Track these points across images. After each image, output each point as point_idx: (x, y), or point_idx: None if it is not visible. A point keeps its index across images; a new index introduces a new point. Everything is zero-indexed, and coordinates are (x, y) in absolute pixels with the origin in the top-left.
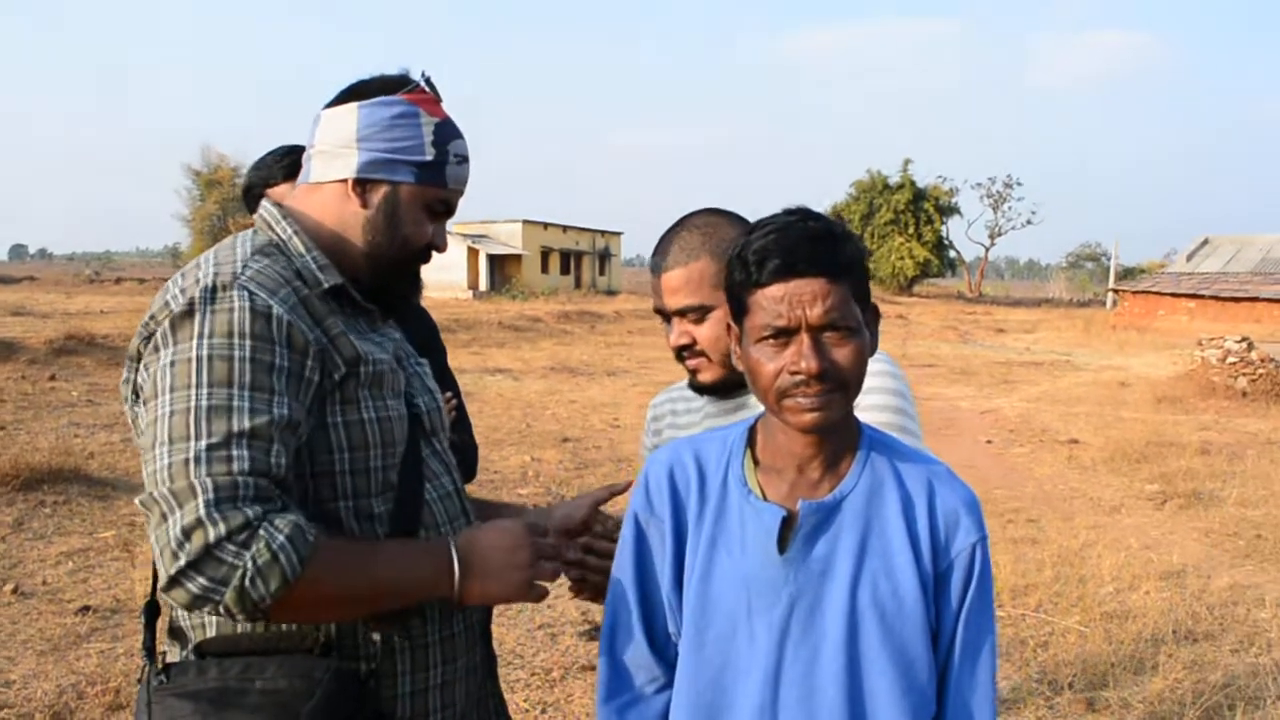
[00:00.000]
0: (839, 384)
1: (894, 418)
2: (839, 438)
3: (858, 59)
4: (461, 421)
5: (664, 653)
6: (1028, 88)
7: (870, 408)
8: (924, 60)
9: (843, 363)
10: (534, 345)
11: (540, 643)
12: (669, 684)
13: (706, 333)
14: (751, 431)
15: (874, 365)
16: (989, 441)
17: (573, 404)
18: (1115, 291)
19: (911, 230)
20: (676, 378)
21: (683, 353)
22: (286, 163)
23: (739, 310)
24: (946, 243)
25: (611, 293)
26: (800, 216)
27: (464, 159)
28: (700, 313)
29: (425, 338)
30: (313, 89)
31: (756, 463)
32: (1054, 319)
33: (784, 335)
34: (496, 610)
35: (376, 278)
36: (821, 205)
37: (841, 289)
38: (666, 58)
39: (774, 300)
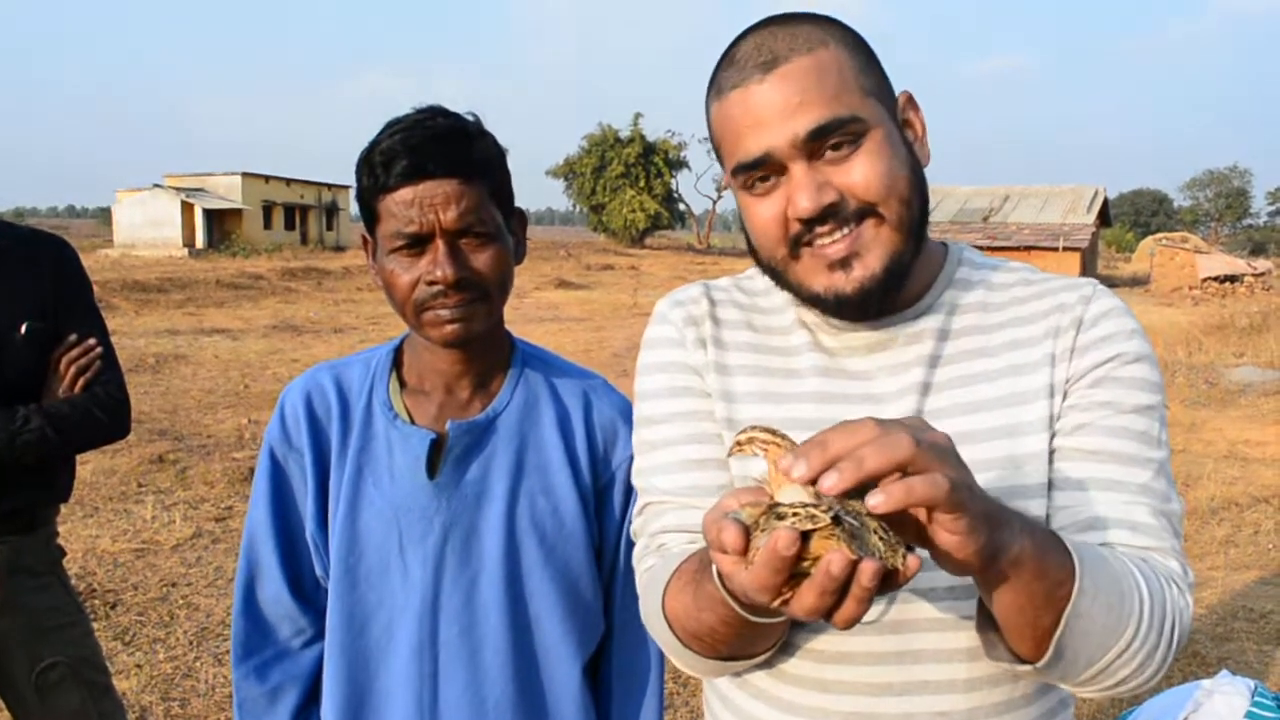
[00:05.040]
0: (480, 293)
1: (1147, 422)
2: (487, 352)
3: (588, 13)
4: (109, 370)
5: (313, 601)
6: None
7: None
8: (653, 16)
9: (483, 269)
10: (255, 304)
11: None
12: (319, 636)
13: (866, 172)
14: (397, 353)
15: (1128, 320)
16: None
17: (295, 363)
18: None
19: (642, 183)
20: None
21: (812, 227)
22: None
23: (370, 219)
24: (676, 195)
25: (340, 248)
26: (430, 114)
27: None
28: (849, 136)
29: (64, 273)
30: None
31: (403, 385)
32: None
33: (418, 243)
34: (206, 580)
35: None
36: (555, 159)
37: (476, 190)
38: (392, 8)
39: (404, 205)
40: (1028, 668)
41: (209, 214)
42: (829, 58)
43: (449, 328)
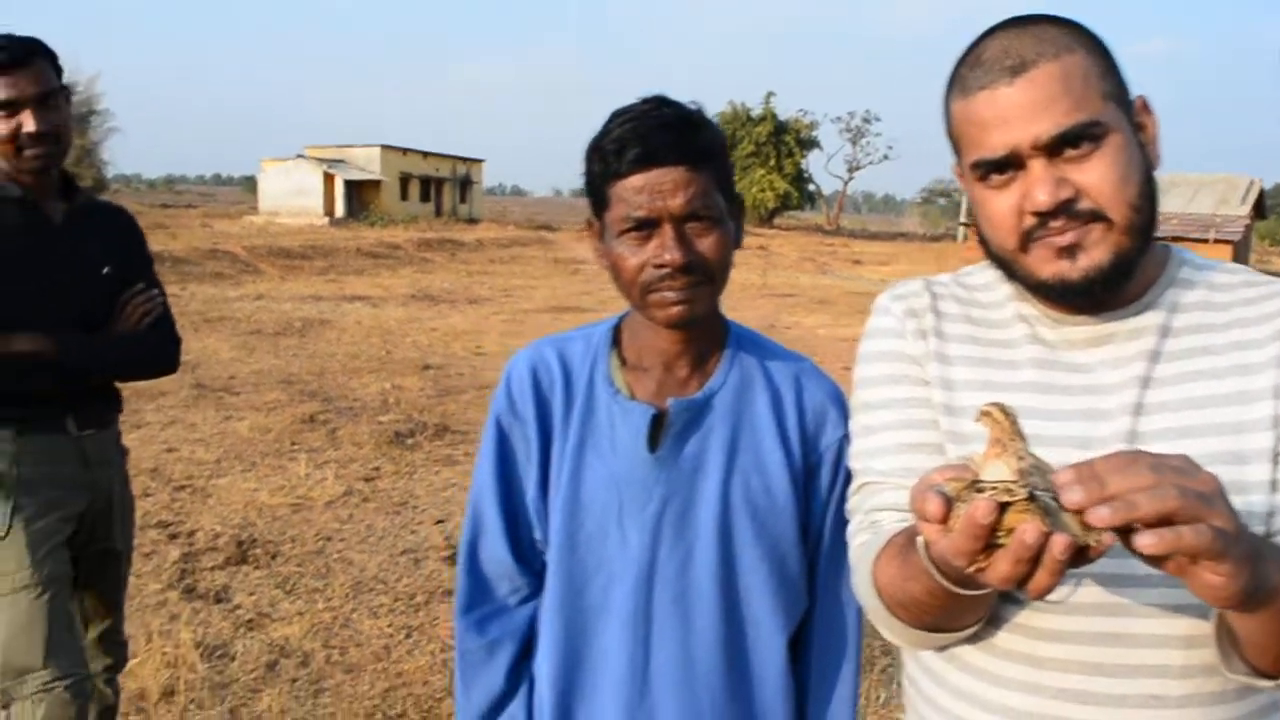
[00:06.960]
0: (705, 276)
1: None
2: (706, 334)
3: None
4: (165, 318)
5: (529, 562)
6: (888, 28)
7: None
8: None
9: (707, 253)
10: (394, 273)
11: (404, 568)
12: (533, 595)
13: (1103, 174)
14: (616, 330)
15: None
16: (847, 368)
17: (434, 331)
18: (966, 226)
19: (773, 163)
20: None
21: (1045, 221)
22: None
23: (599, 204)
24: (806, 176)
25: (473, 221)
26: (656, 104)
27: None
28: (1090, 139)
29: (131, 235)
30: None
31: (623, 361)
32: (909, 252)
33: (646, 227)
34: (359, 536)
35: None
36: None
37: (703, 177)
38: None
39: (634, 191)
40: (1269, 683)
41: (349, 184)
42: (1074, 63)
43: (675, 309)
